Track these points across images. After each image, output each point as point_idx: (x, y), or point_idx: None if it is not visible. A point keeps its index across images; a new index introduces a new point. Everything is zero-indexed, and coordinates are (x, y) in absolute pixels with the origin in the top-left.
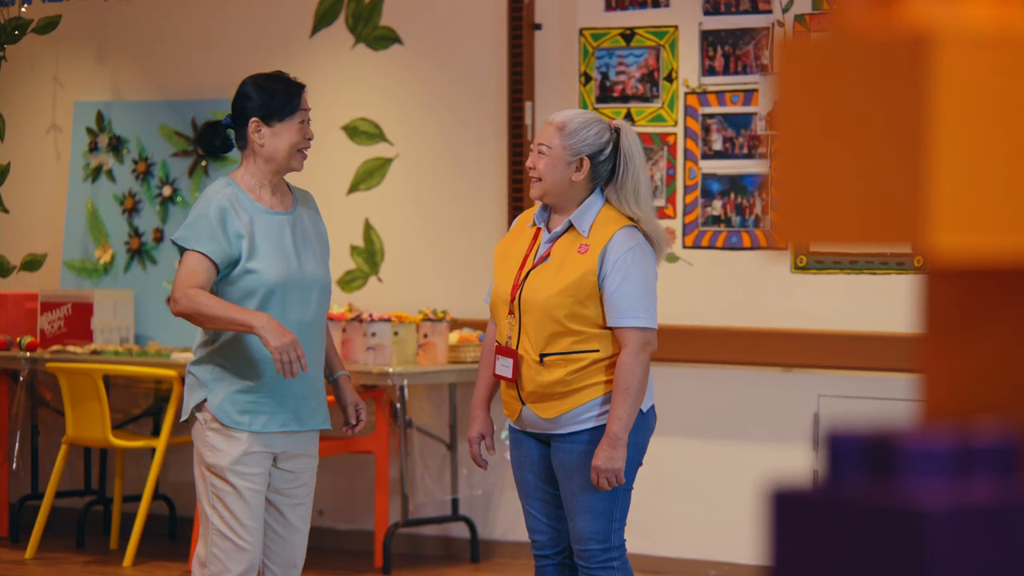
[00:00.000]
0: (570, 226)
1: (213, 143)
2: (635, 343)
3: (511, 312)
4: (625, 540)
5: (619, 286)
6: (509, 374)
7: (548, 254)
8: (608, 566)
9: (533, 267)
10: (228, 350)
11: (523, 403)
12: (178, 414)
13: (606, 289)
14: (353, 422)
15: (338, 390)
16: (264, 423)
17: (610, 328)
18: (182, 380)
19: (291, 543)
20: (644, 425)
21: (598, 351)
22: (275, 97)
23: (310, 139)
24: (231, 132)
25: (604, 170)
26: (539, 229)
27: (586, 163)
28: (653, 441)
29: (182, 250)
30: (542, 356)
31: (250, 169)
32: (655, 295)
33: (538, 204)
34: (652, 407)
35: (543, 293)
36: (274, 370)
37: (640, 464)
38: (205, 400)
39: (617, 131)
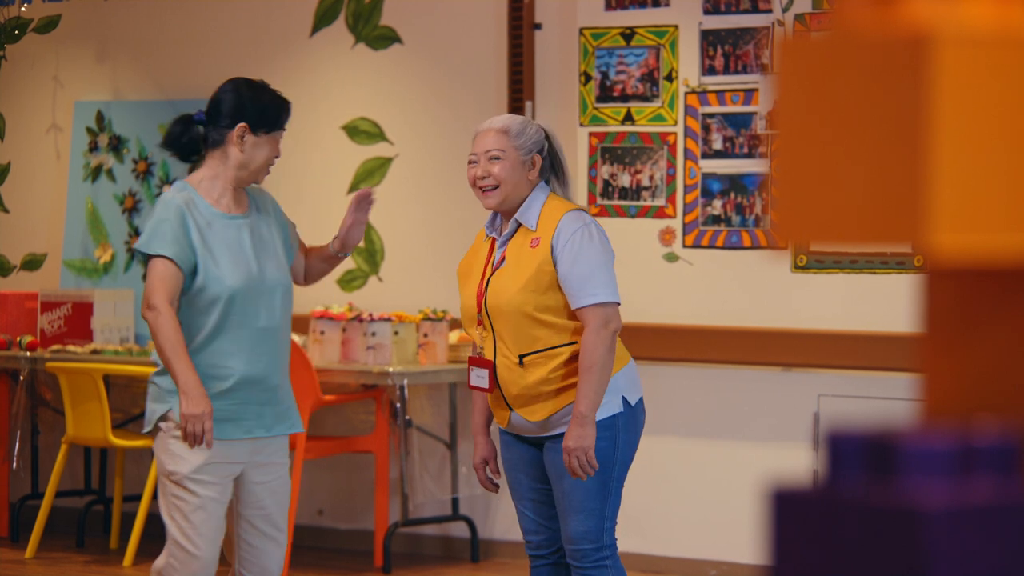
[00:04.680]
0: (519, 225)
1: (180, 140)
2: (595, 321)
3: (480, 323)
4: (616, 539)
5: (571, 268)
6: (485, 384)
7: (503, 258)
8: (601, 565)
9: (492, 274)
10: (192, 358)
11: (511, 408)
12: None
13: (560, 273)
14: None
15: (347, 239)
16: (229, 431)
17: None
18: None
19: (265, 551)
20: (633, 420)
21: (576, 343)
22: (268, 109)
23: (278, 157)
24: (201, 129)
25: (545, 166)
26: (494, 239)
27: (538, 160)
28: (653, 441)
29: (147, 257)
30: (521, 358)
31: (215, 171)
32: (611, 271)
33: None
34: (640, 400)
35: (506, 294)
36: (236, 378)
37: (631, 461)
38: (170, 410)
39: (543, 128)
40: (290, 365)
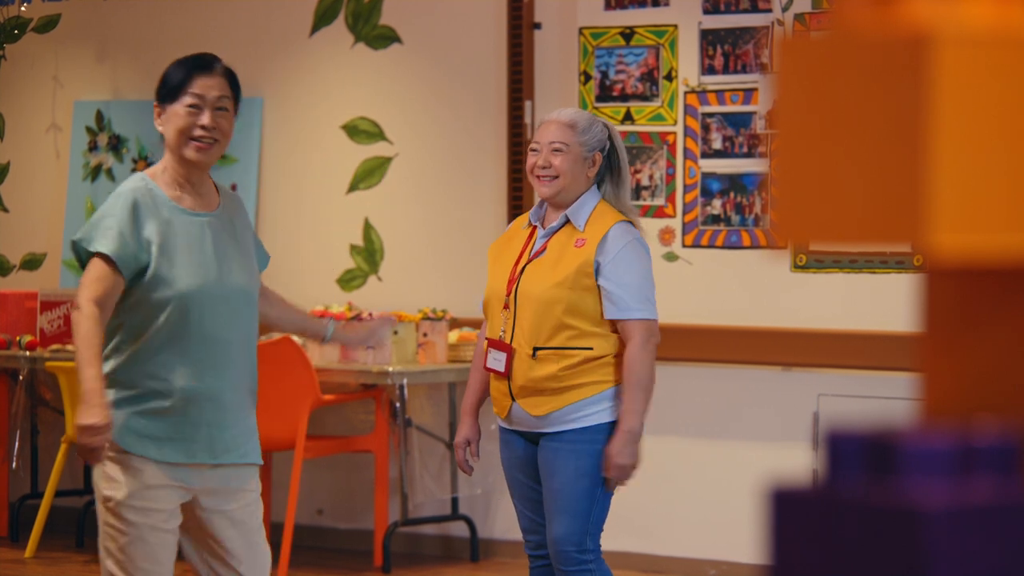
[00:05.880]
0: (566, 221)
1: None
2: (640, 335)
3: (506, 306)
4: (600, 546)
5: (620, 279)
6: (501, 368)
7: (544, 248)
8: (585, 569)
9: (529, 261)
10: (130, 368)
11: (513, 399)
12: None
13: (606, 283)
14: (374, 346)
15: (346, 340)
16: (168, 452)
17: (611, 320)
18: None
19: None
20: None
21: (591, 349)
22: (168, 77)
23: (205, 126)
24: None
25: (603, 167)
26: (534, 228)
27: (599, 158)
28: (653, 441)
29: (86, 253)
30: (535, 350)
31: (166, 161)
32: (653, 287)
33: (531, 208)
34: None
35: (540, 286)
36: (183, 393)
37: None
38: None
39: (607, 127)
40: (258, 384)
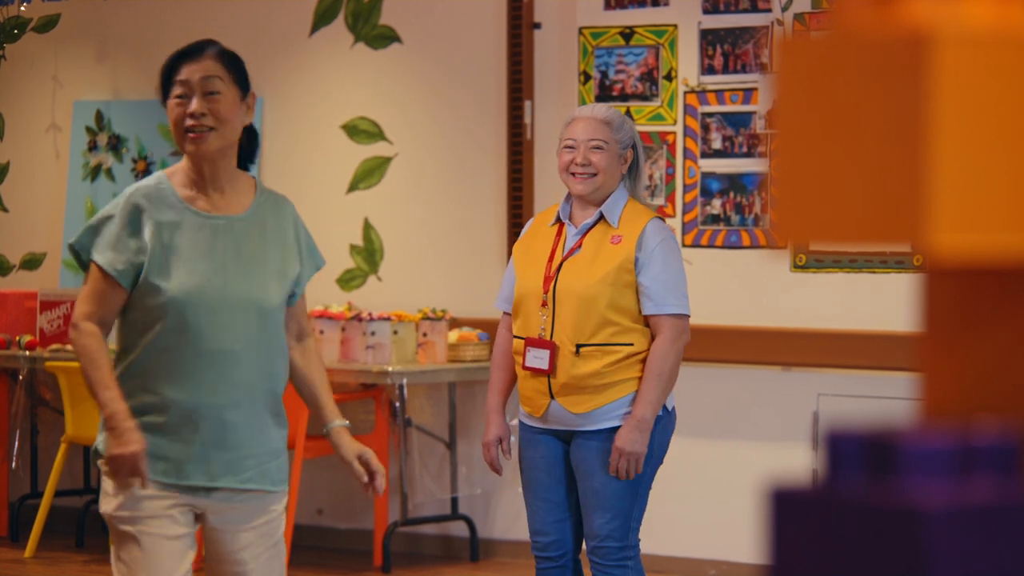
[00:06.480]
0: (600, 218)
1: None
2: (671, 331)
3: (544, 304)
4: (640, 540)
5: (657, 275)
6: (545, 366)
7: (579, 245)
8: (623, 564)
9: (564, 259)
10: (128, 379)
11: (552, 397)
12: None
13: (643, 278)
14: (366, 480)
15: (336, 446)
16: (164, 470)
17: (645, 316)
18: None
19: None
20: (668, 424)
21: (633, 345)
22: (162, 74)
23: (194, 114)
24: None
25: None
26: (562, 225)
27: (631, 155)
28: None
29: (87, 256)
30: (578, 347)
31: (183, 161)
32: (686, 284)
33: (556, 205)
34: (674, 407)
35: (581, 283)
36: (179, 408)
37: (661, 463)
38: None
39: (632, 124)
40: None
